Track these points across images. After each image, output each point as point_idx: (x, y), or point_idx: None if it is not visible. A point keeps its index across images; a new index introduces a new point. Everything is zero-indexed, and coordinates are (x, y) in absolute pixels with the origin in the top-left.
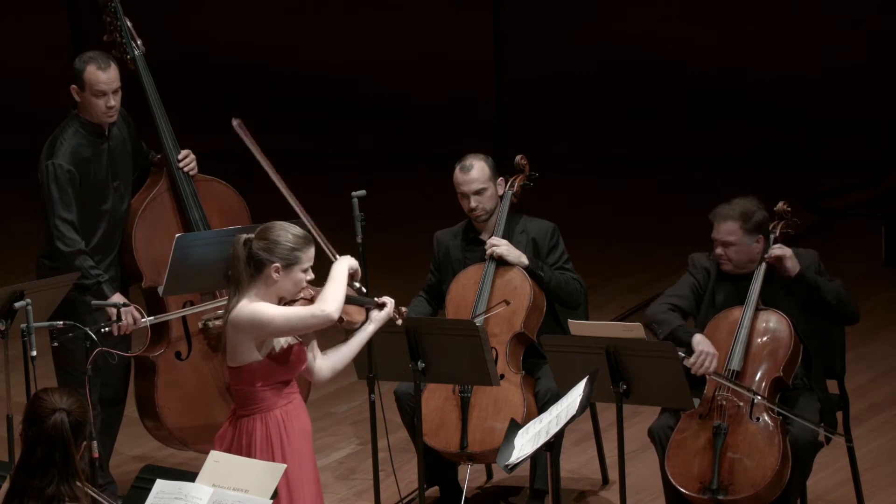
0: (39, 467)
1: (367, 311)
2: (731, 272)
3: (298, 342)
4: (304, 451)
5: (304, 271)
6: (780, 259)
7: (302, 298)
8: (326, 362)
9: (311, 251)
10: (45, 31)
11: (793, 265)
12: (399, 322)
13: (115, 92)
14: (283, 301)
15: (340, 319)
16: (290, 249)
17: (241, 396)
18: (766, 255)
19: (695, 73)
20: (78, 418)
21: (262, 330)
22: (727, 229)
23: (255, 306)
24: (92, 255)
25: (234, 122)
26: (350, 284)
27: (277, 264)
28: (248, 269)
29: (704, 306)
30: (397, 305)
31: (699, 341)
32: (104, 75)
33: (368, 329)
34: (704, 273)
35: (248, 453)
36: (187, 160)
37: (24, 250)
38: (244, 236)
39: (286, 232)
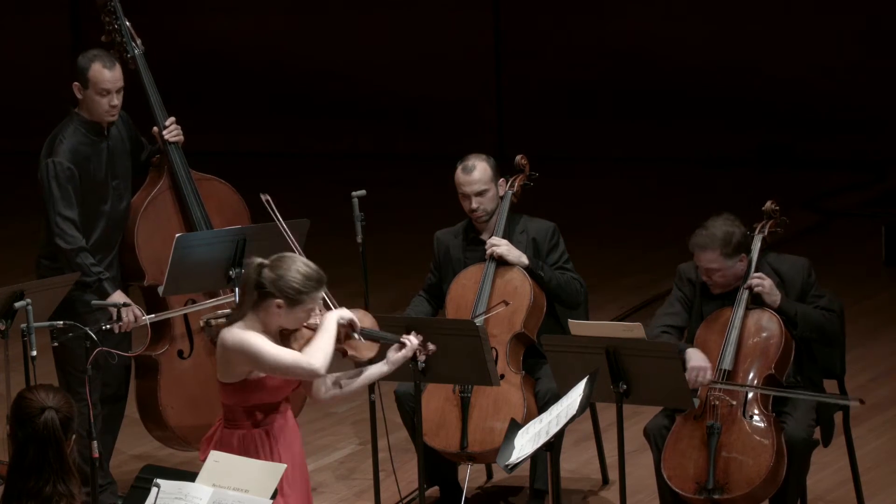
0: (34, 468)
1: (383, 347)
2: (719, 292)
3: None
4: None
5: (308, 311)
6: (759, 293)
7: (306, 327)
8: (330, 389)
9: (319, 294)
10: (45, 31)
11: (772, 298)
12: (422, 359)
13: (118, 91)
14: (284, 330)
15: (344, 353)
16: (297, 291)
17: (225, 409)
18: (745, 284)
19: (695, 73)
20: (66, 414)
21: (247, 360)
22: (708, 258)
23: (247, 336)
24: (92, 254)
25: (263, 197)
26: (350, 336)
27: (280, 301)
28: (252, 294)
29: (693, 320)
30: (425, 343)
31: (691, 356)
32: (109, 74)
33: (382, 370)
34: (690, 286)
35: None
36: (172, 127)
37: (24, 250)
38: (259, 260)
39: (297, 272)
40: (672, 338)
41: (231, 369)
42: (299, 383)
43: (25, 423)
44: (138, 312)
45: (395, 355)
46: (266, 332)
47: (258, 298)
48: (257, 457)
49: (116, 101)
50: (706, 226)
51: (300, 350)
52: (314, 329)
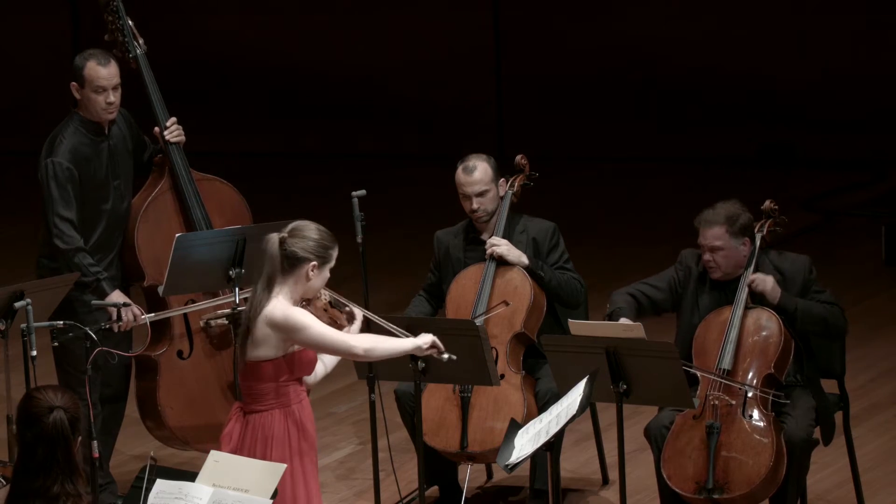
0: (42, 467)
1: (349, 318)
2: (720, 279)
3: None
4: (315, 446)
5: (329, 269)
6: (761, 290)
7: (315, 299)
8: (321, 364)
9: (337, 248)
10: (45, 31)
11: (773, 295)
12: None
13: (114, 88)
14: (303, 301)
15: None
16: (325, 248)
17: (258, 392)
18: (745, 281)
19: (695, 73)
20: (74, 414)
21: (292, 334)
22: (713, 234)
23: (293, 309)
24: (92, 254)
25: None
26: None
27: (314, 262)
28: (281, 267)
29: (686, 308)
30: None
31: (622, 319)
32: (104, 71)
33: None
34: (686, 271)
35: (264, 448)
36: (173, 127)
37: (24, 250)
38: (277, 235)
39: (319, 231)
40: (628, 301)
41: (274, 344)
42: (317, 358)
43: (34, 423)
44: (137, 311)
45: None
46: (293, 300)
47: (288, 268)
48: (298, 433)
49: (113, 98)
50: (714, 206)
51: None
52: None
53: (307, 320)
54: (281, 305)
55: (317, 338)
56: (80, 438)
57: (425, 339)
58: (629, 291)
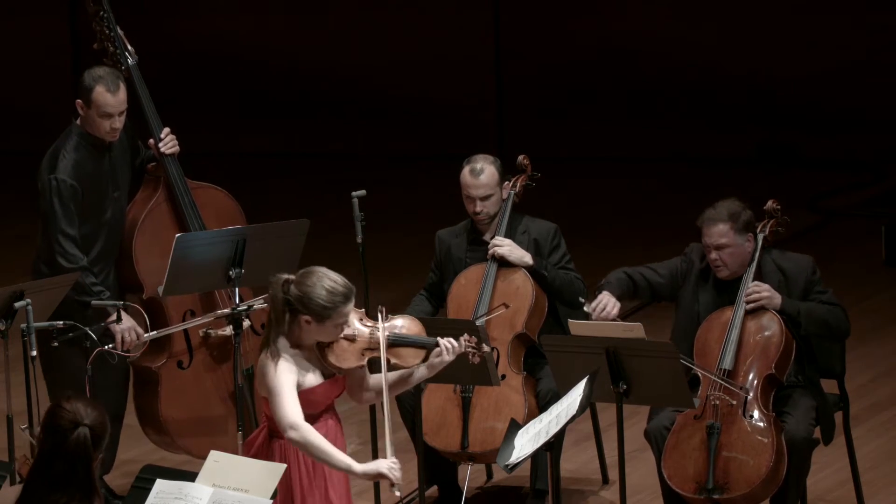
0: (60, 482)
1: (427, 353)
2: (726, 278)
3: (331, 379)
4: (330, 475)
5: (339, 325)
6: (758, 300)
7: (343, 338)
8: (371, 396)
9: (347, 307)
10: (45, 31)
11: (773, 304)
12: (476, 360)
13: (120, 114)
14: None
15: (389, 362)
16: (322, 307)
17: (267, 419)
18: (745, 295)
19: (696, 73)
20: (99, 433)
21: (260, 377)
22: (718, 232)
23: (270, 367)
24: (92, 266)
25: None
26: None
27: (307, 317)
28: (284, 311)
29: (686, 301)
30: (479, 344)
31: (604, 292)
32: (112, 98)
33: (423, 374)
34: (689, 264)
35: None
36: (167, 138)
37: (24, 250)
38: (283, 277)
39: (322, 288)
40: (625, 281)
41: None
42: (341, 391)
43: (56, 435)
44: (140, 330)
45: (434, 359)
46: (301, 346)
47: (290, 316)
48: (310, 467)
49: (118, 123)
50: (715, 205)
51: (335, 359)
52: (351, 340)
53: (273, 383)
54: (269, 360)
55: (270, 388)
56: (101, 456)
57: (375, 468)
58: (626, 270)
